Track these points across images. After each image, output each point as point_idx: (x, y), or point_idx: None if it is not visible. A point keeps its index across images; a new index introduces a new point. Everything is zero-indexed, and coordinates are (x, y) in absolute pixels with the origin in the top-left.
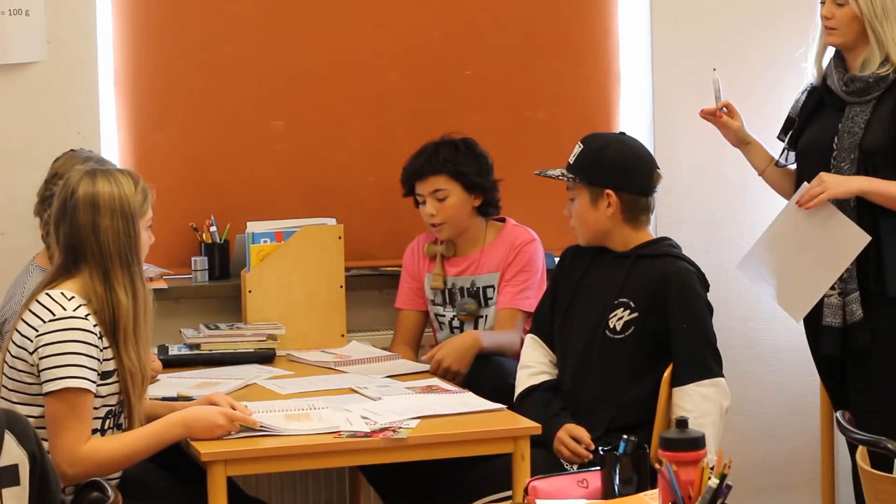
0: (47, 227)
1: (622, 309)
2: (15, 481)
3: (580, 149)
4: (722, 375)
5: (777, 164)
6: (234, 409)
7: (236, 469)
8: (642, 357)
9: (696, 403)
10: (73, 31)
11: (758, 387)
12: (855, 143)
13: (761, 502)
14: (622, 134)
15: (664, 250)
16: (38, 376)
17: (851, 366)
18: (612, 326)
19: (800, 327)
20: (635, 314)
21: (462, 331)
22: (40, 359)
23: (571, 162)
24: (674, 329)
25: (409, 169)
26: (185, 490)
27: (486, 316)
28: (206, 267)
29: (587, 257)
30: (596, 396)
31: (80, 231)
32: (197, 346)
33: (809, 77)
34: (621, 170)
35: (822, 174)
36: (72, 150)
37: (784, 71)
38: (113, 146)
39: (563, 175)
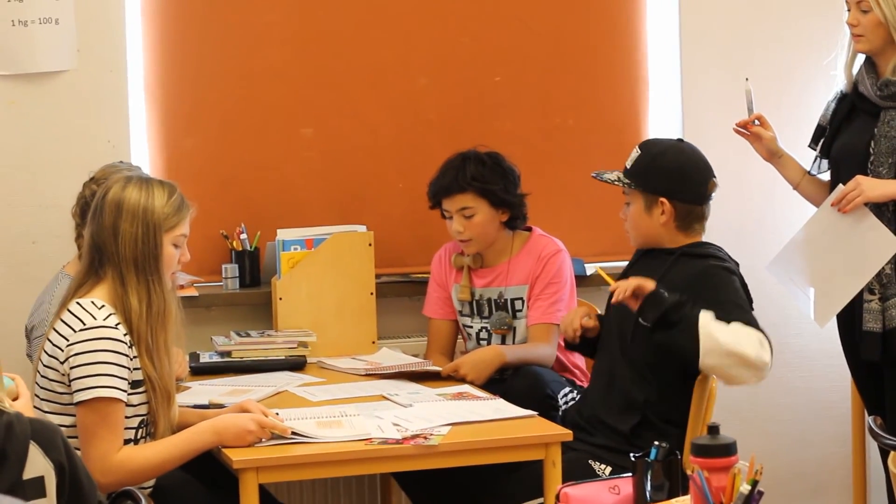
0: (79, 230)
1: None
2: (41, 493)
3: (637, 154)
4: (769, 340)
5: (809, 172)
6: (266, 417)
7: (268, 476)
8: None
9: (733, 329)
10: (102, 39)
11: (789, 393)
12: (893, 147)
13: None
14: (680, 141)
15: (709, 251)
16: (69, 386)
17: (888, 371)
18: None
19: (831, 332)
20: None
21: (490, 342)
22: (71, 368)
23: (628, 167)
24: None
25: (436, 186)
26: (216, 498)
27: (515, 328)
28: (237, 274)
29: (638, 253)
30: (630, 379)
31: (103, 232)
32: (228, 354)
33: (839, 84)
34: (677, 178)
35: (859, 177)
36: (121, 162)
37: (813, 79)
38: (143, 154)
39: (618, 180)
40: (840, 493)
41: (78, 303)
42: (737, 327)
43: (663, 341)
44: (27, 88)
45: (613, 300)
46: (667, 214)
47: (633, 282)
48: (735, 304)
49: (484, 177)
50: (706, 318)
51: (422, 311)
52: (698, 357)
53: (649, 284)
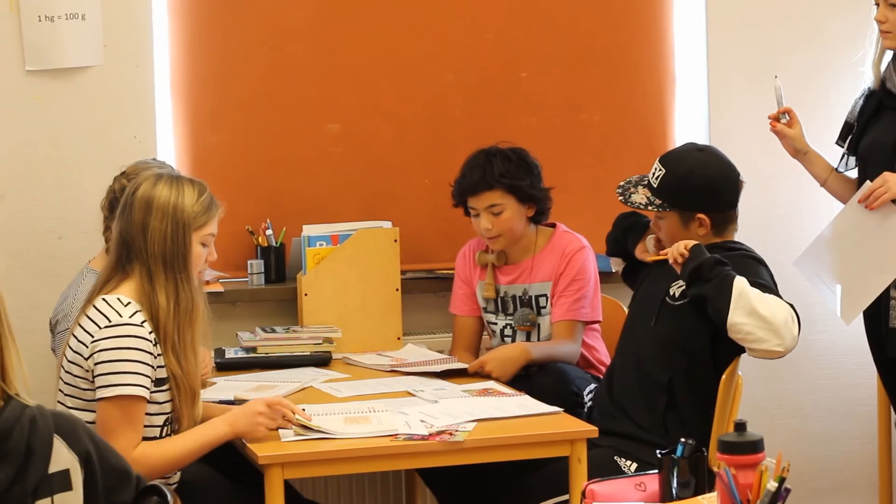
0: (107, 223)
1: None
2: (67, 486)
3: (662, 172)
4: (798, 317)
5: (837, 170)
6: (293, 412)
7: (293, 472)
8: (696, 323)
9: (766, 295)
10: (129, 35)
11: (815, 390)
12: None
13: None
14: (699, 150)
15: (738, 246)
16: (93, 382)
17: None
18: (672, 294)
19: (857, 329)
20: None
21: (514, 340)
22: (95, 364)
23: (655, 185)
24: None
25: (463, 185)
26: (241, 493)
27: (539, 325)
28: (263, 270)
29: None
30: (656, 360)
31: (132, 228)
32: (253, 350)
33: (867, 81)
34: (710, 193)
35: (886, 174)
36: (153, 159)
37: (840, 74)
38: (169, 149)
39: (650, 203)
40: (865, 489)
41: (104, 299)
42: (770, 296)
43: (697, 294)
44: (53, 84)
45: (672, 262)
46: (705, 227)
47: (680, 243)
48: (764, 286)
49: (511, 173)
50: (742, 280)
51: (448, 308)
52: (728, 312)
53: (691, 241)
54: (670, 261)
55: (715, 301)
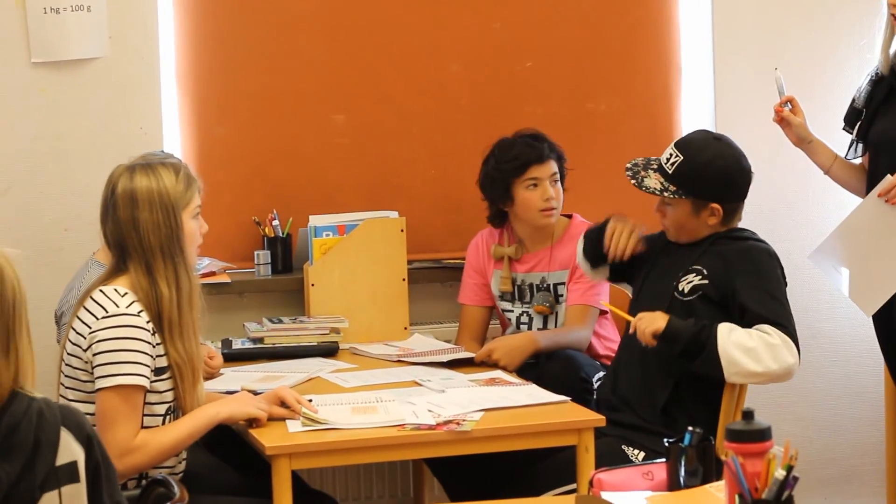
0: None
1: (694, 274)
2: (74, 478)
3: (679, 159)
4: (795, 339)
5: (847, 157)
6: (300, 403)
7: (301, 462)
8: (706, 317)
9: (754, 345)
10: (134, 26)
11: (822, 378)
12: None
13: (827, 493)
14: (716, 139)
15: (749, 235)
16: (92, 373)
17: None
18: (681, 289)
19: (864, 317)
20: (705, 281)
21: (530, 326)
22: (94, 355)
23: (670, 171)
24: (743, 293)
25: (525, 157)
26: (249, 484)
27: (557, 313)
28: (269, 261)
29: (664, 239)
30: (664, 357)
31: (122, 227)
32: (260, 340)
33: (874, 65)
34: (728, 185)
35: None
36: (161, 151)
37: (846, 62)
38: (175, 141)
39: (664, 189)
40: (873, 477)
41: (101, 290)
42: (758, 340)
43: (690, 369)
44: (59, 76)
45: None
46: (717, 216)
47: (647, 328)
48: (772, 295)
49: (559, 150)
50: (725, 343)
51: (456, 298)
52: (726, 378)
53: (661, 322)
54: (638, 335)
55: (710, 373)
